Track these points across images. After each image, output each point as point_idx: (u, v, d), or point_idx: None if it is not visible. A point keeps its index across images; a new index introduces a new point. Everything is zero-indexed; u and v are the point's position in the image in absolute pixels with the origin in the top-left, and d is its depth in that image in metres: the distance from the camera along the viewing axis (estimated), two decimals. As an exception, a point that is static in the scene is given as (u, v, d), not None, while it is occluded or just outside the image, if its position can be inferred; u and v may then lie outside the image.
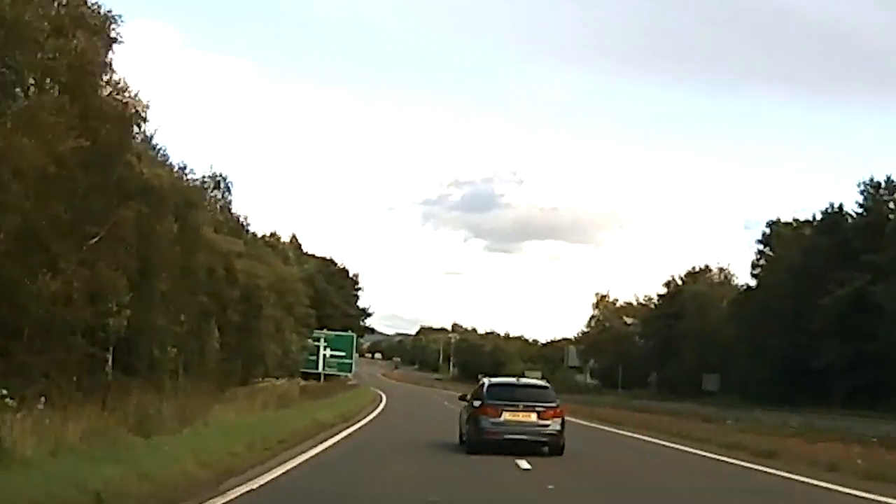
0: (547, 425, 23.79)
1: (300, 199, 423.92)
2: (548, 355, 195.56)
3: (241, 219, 74.89)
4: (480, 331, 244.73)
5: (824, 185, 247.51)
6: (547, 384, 27.32)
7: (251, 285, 60.72)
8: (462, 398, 28.06)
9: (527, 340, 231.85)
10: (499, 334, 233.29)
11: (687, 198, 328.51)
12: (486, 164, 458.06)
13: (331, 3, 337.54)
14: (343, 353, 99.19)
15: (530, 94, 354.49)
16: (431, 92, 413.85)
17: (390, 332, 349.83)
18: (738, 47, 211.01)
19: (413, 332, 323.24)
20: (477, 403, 24.80)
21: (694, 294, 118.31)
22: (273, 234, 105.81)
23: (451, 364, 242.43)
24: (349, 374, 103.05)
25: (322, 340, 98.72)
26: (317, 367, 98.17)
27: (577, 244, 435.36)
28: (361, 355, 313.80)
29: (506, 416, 23.84)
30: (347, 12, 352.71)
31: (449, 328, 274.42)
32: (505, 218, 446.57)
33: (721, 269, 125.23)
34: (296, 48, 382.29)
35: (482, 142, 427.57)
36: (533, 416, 23.84)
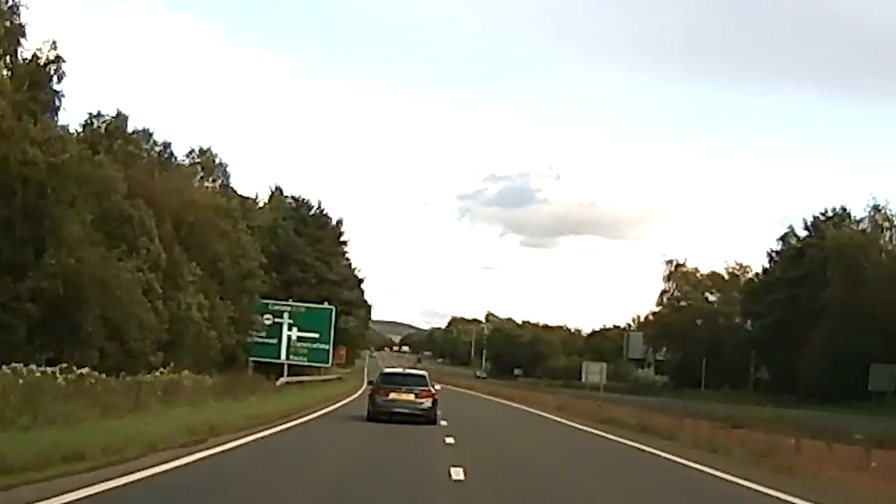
0: (421, 403, 32.20)
1: (337, 195, 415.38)
2: (597, 346, 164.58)
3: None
4: (517, 321, 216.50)
5: (864, 180, 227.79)
6: (424, 373, 35.92)
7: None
8: (370, 383, 36.78)
9: (569, 330, 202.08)
10: (538, 324, 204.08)
11: (723, 194, 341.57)
12: (522, 160, 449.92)
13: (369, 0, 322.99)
14: (316, 335, 68.62)
15: (568, 90, 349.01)
16: (469, 88, 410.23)
17: (426, 327, 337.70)
18: (774, 46, 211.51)
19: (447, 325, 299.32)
20: (374, 387, 33.80)
21: (838, 247, 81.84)
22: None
23: (484, 357, 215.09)
24: (327, 366, 72.12)
25: (286, 316, 68.17)
26: (277, 356, 67.63)
27: (614, 240, 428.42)
28: (389, 349, 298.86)
29: (392, 395, 32.49)
30: (386, 9, 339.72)
31: (482, 319, 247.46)
32: (541, 213, 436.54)
33: (876, 209, 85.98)
34: (334, 45, 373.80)
35: (519, 137, 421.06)
36: (412, 396, 32.30)
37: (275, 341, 67.76)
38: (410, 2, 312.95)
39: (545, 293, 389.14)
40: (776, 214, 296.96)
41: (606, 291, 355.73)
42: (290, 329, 68.11)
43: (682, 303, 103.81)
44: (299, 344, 68.25)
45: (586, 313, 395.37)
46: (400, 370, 38.24)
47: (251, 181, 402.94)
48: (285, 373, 66.60)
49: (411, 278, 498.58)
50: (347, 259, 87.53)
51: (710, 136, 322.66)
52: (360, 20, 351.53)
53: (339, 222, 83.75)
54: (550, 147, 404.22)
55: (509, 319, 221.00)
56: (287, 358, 68.06)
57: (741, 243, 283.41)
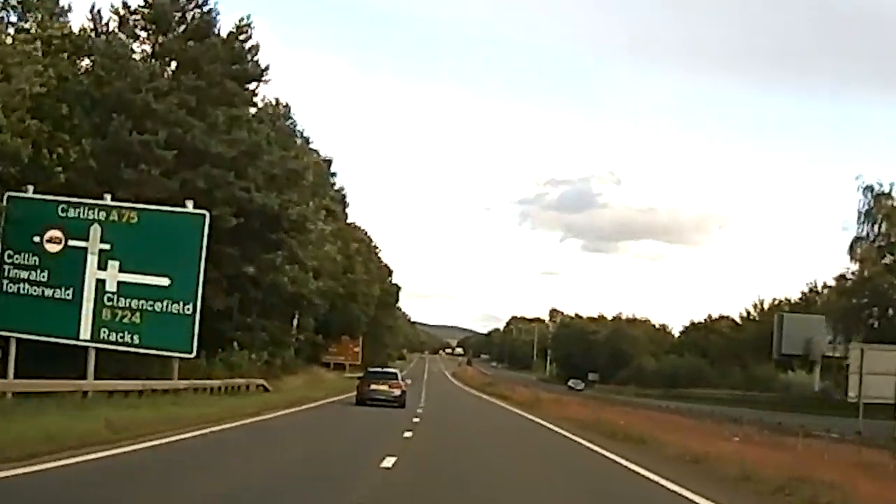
0: (393, 392, 41.25)
1: (398, 201, 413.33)
2: (699, 342, 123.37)
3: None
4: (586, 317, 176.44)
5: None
6: (395, 371, 48.68)
7: None
8: (360, 378, 44.89)
9: (655, 326, 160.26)
10: (619, 316, 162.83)
11: (785, 199, 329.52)
12: (583, 164, 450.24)
13: (434, 3, 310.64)
14: (162, 282, 28.41)
15: (629, 95, 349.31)
16: (530, 92, 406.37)
17: (485, 331, 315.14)
18: (837, 50, 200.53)
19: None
20: (361, 380, 43.83)
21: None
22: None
23: (549, 359, 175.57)
24: (189, 355, 30.12)
25: (92, 234, 28.30)
26: (73, 332, 27.92)
27: (675, 244, 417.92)
28: (444, 352, 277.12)
29: (373, 386, 41.64)
30: (447, 14, 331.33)
31: (545, 318, 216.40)
32: (602, 217, 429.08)
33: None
34: (397, 49, 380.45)
35: (580, 141, 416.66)
36: (386, 387, 41.51)
37: (68, 294, 28.07)
38: (472, 6, 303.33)
39: (606, 298, 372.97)
40: (837, 220, 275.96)
41: (669, 296, 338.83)
42: (102, 264, 28.27)
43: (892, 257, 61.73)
44: (121, 297, 28.26)
45: (657, 314, 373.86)
46: (379, 369, 51.32)
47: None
48: (90, 370, 27.14)
49: (471, 283, 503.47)
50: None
51: (774, 140, 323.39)
52: (420, 24, 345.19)
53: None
54: (611, 151, 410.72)
55: (577, 316, 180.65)
56: (95, 337, 28.17)
57: (800, 246, 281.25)
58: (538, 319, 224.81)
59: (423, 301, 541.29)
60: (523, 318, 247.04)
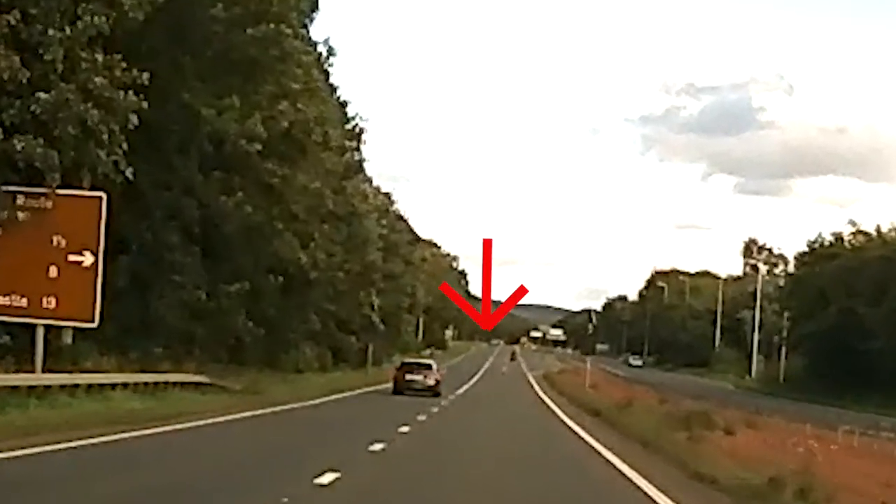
0: (428, 381, 48.26)
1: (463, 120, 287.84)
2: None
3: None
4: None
5: None
6: (430, 362, 54.80)
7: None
8: (397, 368, 52.31)
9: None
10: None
11: None
12: (737, 63, 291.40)
13: None
14: None
15: None
16: None
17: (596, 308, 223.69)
18: None
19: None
20: (398, 370, 51.22)
21: None
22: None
23: (646, 345, 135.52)
24: None
25: None
26: None
27: (876, 182, 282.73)
28: (528, 339, 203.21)
29: (408, 376, 48.77)
30: None
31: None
32: (767, 143, 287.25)
33: None
34: None
35: (732, 31, 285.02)
36: (421, 377, 48.58)
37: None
38: None
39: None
40: None
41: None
42: None
43: None
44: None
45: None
46: (413, 360, 57.14)
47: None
48: None
49: (568, 246, 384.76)
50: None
51: None
52: None
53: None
54: (779, 45, 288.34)
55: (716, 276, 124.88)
56: None
57: None
58: (708, 274, 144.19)
59: (500, 269, 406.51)
60: (676, 274, 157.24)
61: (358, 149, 64.19)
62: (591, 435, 30.23)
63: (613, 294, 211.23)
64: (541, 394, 62.85)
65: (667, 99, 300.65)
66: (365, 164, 68.97)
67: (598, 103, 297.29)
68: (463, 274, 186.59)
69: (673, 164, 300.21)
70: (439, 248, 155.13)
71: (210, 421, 26.40)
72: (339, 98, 59.74)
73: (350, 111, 63.08)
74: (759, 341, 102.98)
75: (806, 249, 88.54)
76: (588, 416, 40.12)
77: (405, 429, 27.48)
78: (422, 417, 32.86)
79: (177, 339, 40.65)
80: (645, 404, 42.33)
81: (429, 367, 51.47)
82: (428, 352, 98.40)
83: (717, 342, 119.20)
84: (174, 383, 35.26)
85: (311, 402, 39.09)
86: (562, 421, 38.32)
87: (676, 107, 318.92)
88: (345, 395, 46.74)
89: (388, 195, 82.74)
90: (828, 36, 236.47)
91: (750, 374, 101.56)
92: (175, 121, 38.36)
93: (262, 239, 44.02)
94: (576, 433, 31.97)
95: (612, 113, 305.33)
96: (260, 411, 31.21)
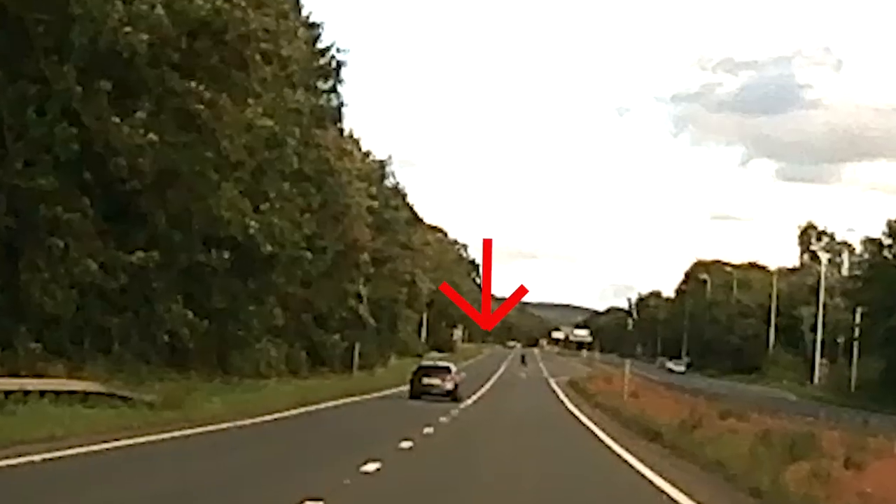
0: (446, 385, 46.48)
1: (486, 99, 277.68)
2: None
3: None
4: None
5: None
6: (448, 365, 52.31)
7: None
8: (413, 372, 49.52)
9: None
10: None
11: None
12: (780, 36, 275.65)
13: None
14: None
15: None
16: None
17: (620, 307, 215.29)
18: None
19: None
20: (414, 373, 48.72)
21: None
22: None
23: (685, 345, 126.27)
24: None
25: None
26: None
27: None
28: (549, 341, 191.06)
29: (425, 380, 46.92)
30: None
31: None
32: (812, 124, 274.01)
33: None
34: None
35: (775, 1, 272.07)
36: (438, 381, 46.73)
37: None
38: None
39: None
40: None
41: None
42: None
43: None
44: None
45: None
46: (431, 363, 55.97)
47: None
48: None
49: (592, 239, 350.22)
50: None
51: None
52: None
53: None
54: (826, 16, 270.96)
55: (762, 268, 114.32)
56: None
57: None
58: (756, 266, 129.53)
59: (517, 264, 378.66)
60: (720, 266, 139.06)
61: (335, 90, 51.12)
62: (657, 472, 20.24)
63: (642, 292, 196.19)
64: (570, 407, 49.95)
65: (702, 75, 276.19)
66: (345, 110, 55.71)
67: (625, 80, 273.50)
68: (474, 265, 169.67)
69: (708, 148, 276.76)
70: (446, 234, 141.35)
71: (55, 454, 17.22)
72: (307, 18, 47.21)
73: (326, 41, 50.64)
74: (822, 342, 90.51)
75: (882, 233, 74.79)
76: (642, 440, 28.76)
77: (372, 467, 17.69)
78: (406, 444, 23.17)
79: (69, 331, 31.85)
80: (712, 422, 32.14)
81: (447, 370, 49.22)
82: (436, 355, 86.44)
83: (772, 343, 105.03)
84: (42, 392, 26.23)
85: (256, 419, 29.83)
86: (610, 449, 26.62)
87: (712, 84, 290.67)
88: (317, 407, 37.82)
89: (381, 163, 69.97)
90: (880, 4, 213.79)
91: (812, 381, 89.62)
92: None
93: (188, 192, 32.25)
94: (636, 469, 21.08)
95: (641, 91, 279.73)
96: (159, 436, 22.52)
